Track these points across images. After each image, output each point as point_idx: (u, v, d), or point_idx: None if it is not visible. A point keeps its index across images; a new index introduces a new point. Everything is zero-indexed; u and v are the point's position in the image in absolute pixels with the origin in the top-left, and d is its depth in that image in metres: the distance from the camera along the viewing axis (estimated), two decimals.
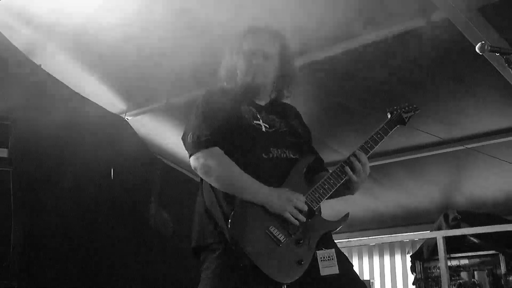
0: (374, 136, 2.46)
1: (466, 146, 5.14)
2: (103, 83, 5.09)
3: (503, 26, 3.77)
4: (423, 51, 4.19)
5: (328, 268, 2.18)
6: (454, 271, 5.36)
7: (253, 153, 2.29)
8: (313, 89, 4.63)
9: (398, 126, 2.58)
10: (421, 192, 6.38)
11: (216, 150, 2.26)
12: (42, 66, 4.57)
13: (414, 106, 2.66)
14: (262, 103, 2.55)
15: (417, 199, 6.52)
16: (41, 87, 4.48)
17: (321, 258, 2.18)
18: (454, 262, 5.39)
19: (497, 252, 5.20)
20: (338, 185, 2.31)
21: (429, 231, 5.93)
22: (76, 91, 4.88)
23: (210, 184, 2.30)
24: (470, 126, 5.08)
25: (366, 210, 6.91)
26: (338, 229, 2.28)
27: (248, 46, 2.52)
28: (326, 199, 2.30)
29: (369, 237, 7.15)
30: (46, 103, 4.44)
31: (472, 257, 5.34)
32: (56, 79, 4.68)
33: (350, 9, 3.91)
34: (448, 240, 5.25)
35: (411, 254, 6.08)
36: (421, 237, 6.16)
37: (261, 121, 2.41)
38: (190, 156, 2.31)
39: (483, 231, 5.13)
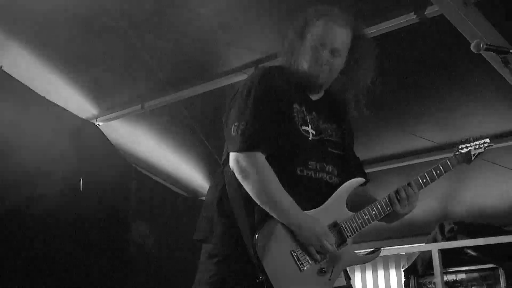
0: (433, 171, 2.35)
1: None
2: (71, 86, 4.97)
3: (502, 22, 3.72)
4: (417, 50, 4.14)
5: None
6: (450, 287, 5.28)
7: (292, 165, 2.22)
8: None
9: (462, 164, 2.44)
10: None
11: (259, 156, 2.17)
12: (3, 68, 4.45)
13: (487, 141, 2.48)
14: (316, 97, 2.44)
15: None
16: (2, 90, 4.34)
17: None
18: (450, 277, 5.31)
19: (497, 266, 5.13)
20: (381, 217, 2.27)
21: (423, 244, 5.86)
22: (42, 94, 4.75)
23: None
24: (468, 129, 5.03)
25: None
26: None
27: (318, 35, 2.33)
28: None
29: (361, 250, 7.06)
30: (8, 108, 4.30)
31: (470, 271, 5.27)
32: (19, 82, 4.55)
33: (339, 5, 3.84)
34: (444, 253, 5.18)
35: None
36: (415, 250, 6.10)
37: (309, 126, 2.31)
38: (231, 151, 2.21)
39: (481, 243, 5.07)
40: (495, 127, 4.96)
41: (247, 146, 2.15)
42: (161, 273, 5.54)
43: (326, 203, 2.21)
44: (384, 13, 3.84)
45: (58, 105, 4.93)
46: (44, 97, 4.77)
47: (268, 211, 2.11)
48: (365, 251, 2.33)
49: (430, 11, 3.74)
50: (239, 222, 2.13)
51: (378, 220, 2.29)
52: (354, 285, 7.52)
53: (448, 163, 2.38)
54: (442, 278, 5.07)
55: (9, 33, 4.30)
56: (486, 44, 2.12)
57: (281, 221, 2.10)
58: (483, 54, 3.73)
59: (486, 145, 2.46)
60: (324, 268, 2.13)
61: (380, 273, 7.49)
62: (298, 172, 2.21)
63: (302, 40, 2.37)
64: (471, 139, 2.46)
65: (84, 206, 4.84)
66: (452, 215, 6.19)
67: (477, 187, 5.92)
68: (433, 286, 5.30)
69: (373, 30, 3.93)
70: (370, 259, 2.30)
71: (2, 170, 4.16)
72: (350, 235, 2.20)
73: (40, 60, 4.62)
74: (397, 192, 2.27)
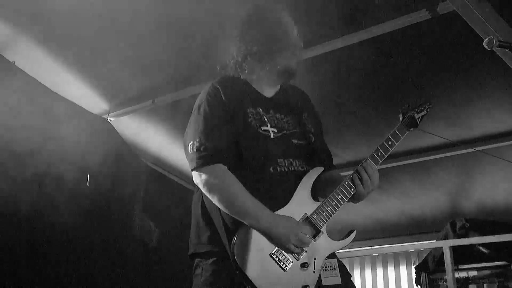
0: (385, 144, 2.43)
1: (475, 148, 5.09)
2: (83, 82, 4.98)
3: None
4: (429, 47, 4.13)
5: (331, 278, 2.23)
6: (462, 284, 5.30)
7: (260, 167, 2.28)
8: (311, 87, 4.56)
9: (411, 129, 2.53)
10: (426, 199, 6.33)
11: (219, 167, 2.22)
12: (15, 63, 4.48)
13: (427, 103, 2.61)
14: (271, 93, 2.51)
15: (422, 206, 6.47)
16: (14, 86, 4.37)
17: (323, 267, 2.23)
18: (462, 274, 5.33)
19: (508, 263, 5.14)
20: (347, 200, 2.30)
21: (434, 241, 5.86)
22: (53, 90, 4.78)
23: None
24: (479, 126, 5.03)
25: (367, 218, 6.84)
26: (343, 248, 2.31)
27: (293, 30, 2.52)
28: None
29: (372, 247, 7.09)
30: (19, 103, 4.33)
31: (482, 268, 5.28)
32: (31, 77, 4.59)
33: (351, 1, 3.84)
34: (455, 250, 5.19)
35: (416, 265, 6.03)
36: (427, 247, 6.11)
37: (268, 125, 2.37)
38: (191, 170, 2.28)
39: (493, 241, 5.07)
40: (507, 124, 4.95)
41: (203, 161, 2.22)
42: (162, 270, 5.56)
43: (291, 199, 2.25)
44: (396, 10, 3.83)
45: (70, 101, 4.96)
46: (55, 93, 4.81)
47: (237, 217, 2.16)
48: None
49: (442, 7, 3.73)
50: (217, 227, 2.21)
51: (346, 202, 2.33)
52: (365, 281, 7.57)
53: (397, 132, 2.46)
54: (453, 275, 5.08)
55: (22, 29, 4.31)
56: (499, 41, 2.13)
57: (253, 226, 2.13)
58: (495, 51, 3.73)
59: (427, 106, 2.59)
60: (305, 262, 2.16)
61: (391, 269, 7.50)
62: (271, 170, 2.27)
63: (283, 37, 2.50)
64: (411, 105, 2.55)
65: (91, 202, 4.87)
66: (462, 213, 6.18)
67: (487, 184, 5.91)
68: (444, 282, 5.31)
69: (384, 27, 3.94)
70: (347, 243, 2.30)
71: (11, 166, 4.19)
72: (322, 225, 2.23)
73: (52, 56, 4.64)
74: (357, 172, 2.30)
